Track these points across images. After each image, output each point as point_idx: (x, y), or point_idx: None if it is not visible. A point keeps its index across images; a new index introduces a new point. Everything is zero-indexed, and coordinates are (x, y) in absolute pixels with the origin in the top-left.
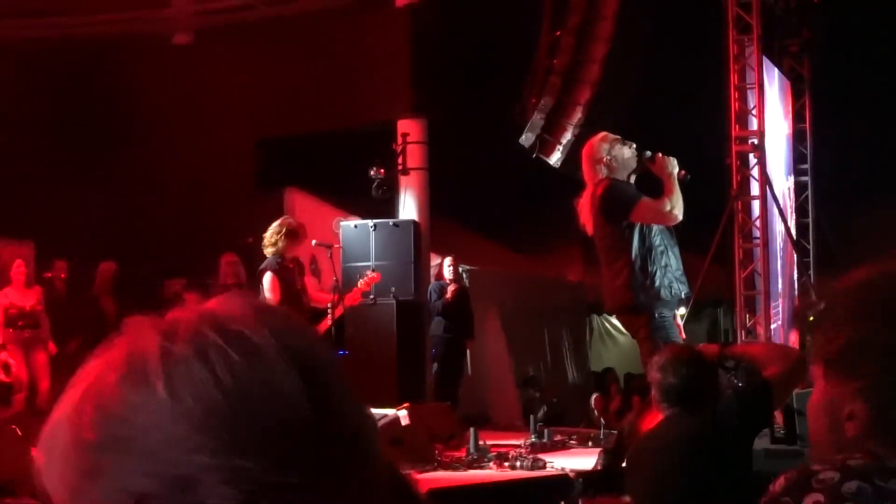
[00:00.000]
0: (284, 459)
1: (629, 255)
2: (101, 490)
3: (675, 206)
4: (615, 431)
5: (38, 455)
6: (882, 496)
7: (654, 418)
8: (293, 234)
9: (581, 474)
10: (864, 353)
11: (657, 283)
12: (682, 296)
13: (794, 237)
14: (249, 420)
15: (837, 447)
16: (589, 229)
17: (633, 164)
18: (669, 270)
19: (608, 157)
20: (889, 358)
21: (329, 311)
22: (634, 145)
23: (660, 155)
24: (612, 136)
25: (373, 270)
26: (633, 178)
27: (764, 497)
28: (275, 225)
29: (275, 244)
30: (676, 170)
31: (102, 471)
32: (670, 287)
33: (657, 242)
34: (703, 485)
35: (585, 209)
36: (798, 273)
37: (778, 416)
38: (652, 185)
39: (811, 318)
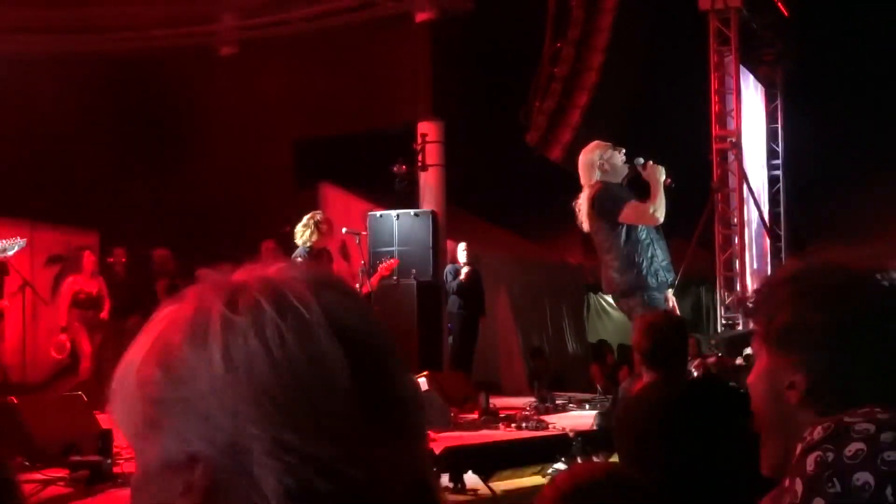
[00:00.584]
0: (327, 434)
1: (619, 249)
2: (159, 442)
3: (658, 210)
4: (610, 396)
5: (111, 390)
6: None
7: (643, 383)
8: (319, 228)
9: (580, 433)
10: (801, 331)
11: (643, 272)
12: (668, 282)
13: (768, 224)
14: (296, 396)
15: (779, 413)
16: (585, 227)
17: (625, 170)
18: (655, 261)
19: (601, 163)
20: (822, 335)
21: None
22: (624, 150)
23: (650, 163)
24: (605, 143)
25: (391, 256)
26: (625, 182)
27: (802, 443)
28: (305, 219)
29: (303, 235)
30: (663, 177)
31: (162, 425)
32: (656, 275)
33: (643, 237)
34: (685, 447)
35: (582, 209)
36: (771, 256)
37: None
38: (640, 189)
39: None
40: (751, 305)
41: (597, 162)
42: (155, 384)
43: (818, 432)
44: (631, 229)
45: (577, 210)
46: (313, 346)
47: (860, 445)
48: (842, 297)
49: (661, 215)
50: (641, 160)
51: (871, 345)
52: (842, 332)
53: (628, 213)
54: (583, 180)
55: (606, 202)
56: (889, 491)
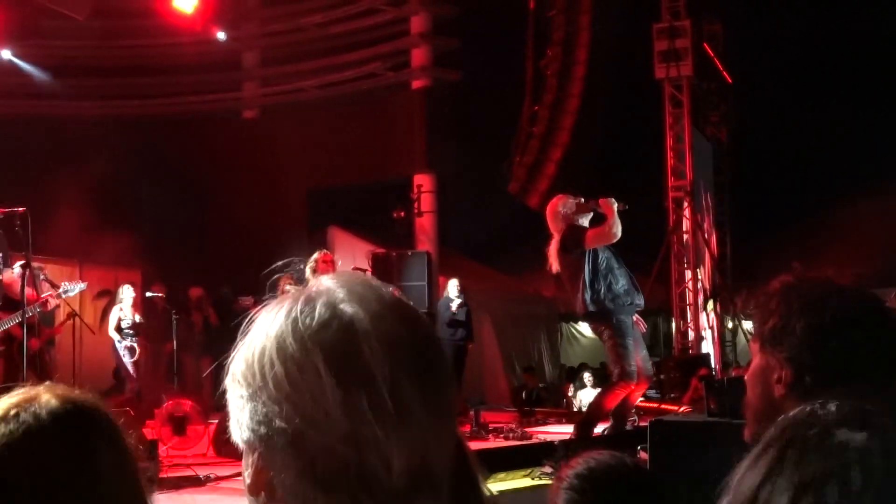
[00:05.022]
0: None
1: (584, 277)
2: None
3: (615, 227)
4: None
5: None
6: None
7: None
8: (314, 265)
9: (562, 441)
10: (787, 333)
11: (602, 296)
12: (633, 305)
13: (716, 259)
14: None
15: (768, 403)
16: (554, 268)
17: (585, 211)
18: (614, 286)
19: (564, 211)
20: (804, 337)
21: None
22: (581, 198)
23: (602, 199)
24: (564, 196)
25: (393, 289)
26: (587, 220)
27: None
28: (312, 258)
29: (313, 270)
30: (616, 205)
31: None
32: (614, 300)
33: (602, 267)
34: None
35: (552, 254)
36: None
37: None
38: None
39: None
40: (750, 312)
41: (560, 211)
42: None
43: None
44: (593, 260)
45: (548, 255)
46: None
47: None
48: (821, 305)
49: (618, 231)
50: (593, 201)
51: (844, 346)
52: (820, 335)
53: (591, 236)
54: (551, 228)
55: (570, 238)
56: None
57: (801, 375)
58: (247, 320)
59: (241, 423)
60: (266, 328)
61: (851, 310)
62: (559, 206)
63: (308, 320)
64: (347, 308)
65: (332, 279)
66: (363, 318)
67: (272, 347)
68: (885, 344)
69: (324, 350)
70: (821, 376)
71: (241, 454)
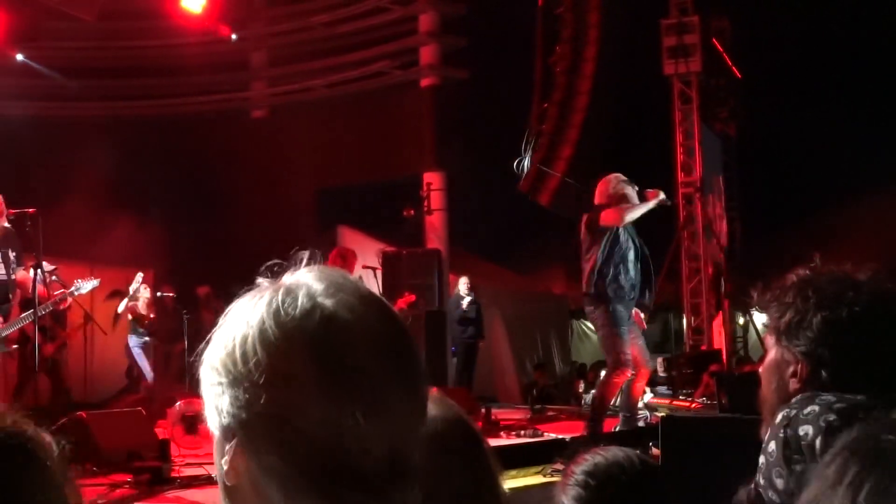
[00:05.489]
0: None
1: (596, 258)
2: None
3: (627, 213)
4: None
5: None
6: None
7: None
8: (343, 259)
9: (573, 438)
10: (803, 328)
11: (606, 282)
12: (632, 297)
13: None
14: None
15: (783, 396)
16: (581, 234)
17: (635, 198)
18: (621, 277)
19: (612, 191)
20: (819, 331)
21: None
22: (637, 187)
23: (652, 190)
24: (617, 177)
25: (408, 292)
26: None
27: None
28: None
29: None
30: (662, 195)
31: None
32: (617, 290)
33: (617, 255)
34: None
35: (584, 223)
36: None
37: None
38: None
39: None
40: (765, 305)
41: (609, 191)
42: None
43: (796, 398)
44: (610, 245)
45: (580, 220)
46: None
47: (815, 408)
48: (837, 300)
49: (627, 217)
50: (650, 189)
51: (859, 340)
52: (835, 330)
53: (604, 214)
54: (595, 200)
55: (594, 217)
56: (819, 441)
57: (818, 370)
58: (225, 311)
59: (220, 409)
60: (245, 317)
61: (868, 304)
62: (609, 186)
63: (291, 310)
64: (328, 300)
65: (311, 272)
66: (344, 311)
67: (254, 335)
68: None
69: (306, 339)
70: (837, 371)
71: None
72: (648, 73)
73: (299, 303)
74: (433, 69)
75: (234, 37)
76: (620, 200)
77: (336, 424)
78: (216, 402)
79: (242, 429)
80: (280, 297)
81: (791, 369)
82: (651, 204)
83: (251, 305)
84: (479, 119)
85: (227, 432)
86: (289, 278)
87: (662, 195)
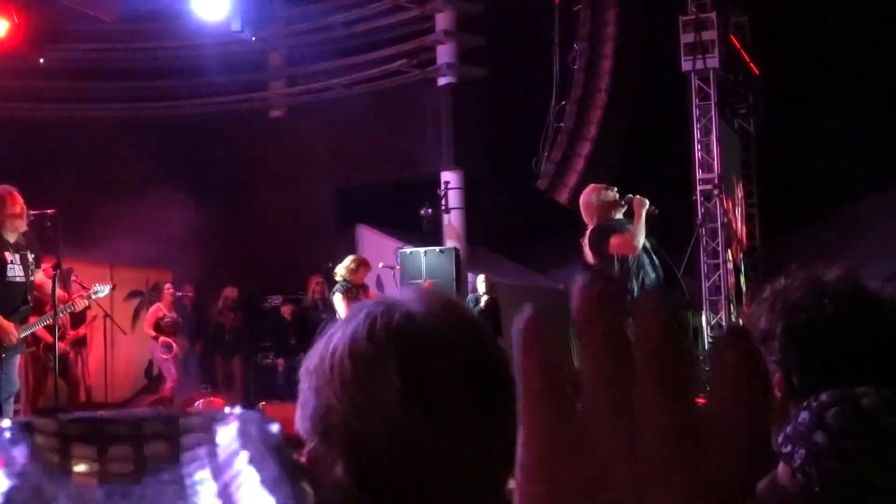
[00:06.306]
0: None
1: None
2: None
3: (636, 239)
4: None
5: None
6: None
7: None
8: (349, 268)
9: None
10: (773, 336)
11: (635, 293)
12: None
13: (743, 253)
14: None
15: (777, 407)
16: (590, 258)
17: (620, 205)
18: (647, 285)
19: (597, 203)
20: (783, 338)
21: None
22: (616, 189)
23: (637, 197)
24: (599, 185)
25: (425, 281)
26: (621, 213)
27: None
28: (346, 260)
29: (343, 274)
30: (647, 205)
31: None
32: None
33: (632, 264)
34: None
35: (587, 246)
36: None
37: None
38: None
39: None
40: (747, 319)
41: (593, 202)
42: None
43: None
44: (620, 262)
45: (583, 246)
46: None
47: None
48: (798, 307)
49: (638, 243)
50: (629, 196)
51: (822, 345)
52: (796, 337)
53: (614, 245)
54: (585, 219)
55: (596, 241)
56: (819, 432)
57: (789, 377)
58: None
59: (304, 413)
60: (345, 328)
61: (826, 309)
62: (591, 197)
63: (386, 326)
64: (425, 322)
65: (414, 292)
66: (439, 334)
67: (346, 346)
68: (860, 343)
69: (396, 356)
70: (805, 378)
71: None
72: (666, 69)
73: (395, 320)
74: (451, 68)
75: (252, 37)
76: (609, 208)
77: (409, 445)
78: (303, 404)
79: (319, 435)
80: (379, 312)
81: (776, 378)
82: (643, 217)
83: (353, 317)
84: (497, 117)
85: (307, 436)
86: (392, 297)
87: (647, 202)
